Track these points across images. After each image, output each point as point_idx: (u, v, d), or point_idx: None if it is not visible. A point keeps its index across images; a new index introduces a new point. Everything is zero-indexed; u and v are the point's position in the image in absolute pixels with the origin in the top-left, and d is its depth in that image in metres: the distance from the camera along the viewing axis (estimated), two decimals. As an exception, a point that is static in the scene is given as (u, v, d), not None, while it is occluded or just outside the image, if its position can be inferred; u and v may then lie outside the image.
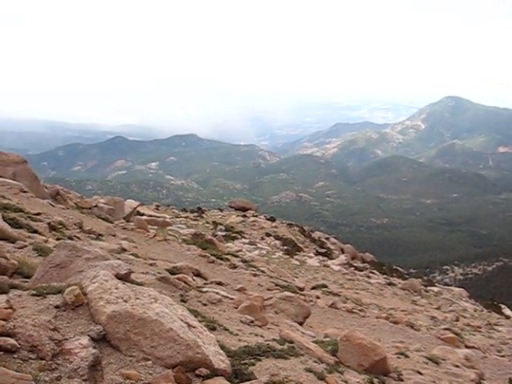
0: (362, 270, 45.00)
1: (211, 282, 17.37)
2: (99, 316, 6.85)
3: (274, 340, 10.25)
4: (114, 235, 22.10)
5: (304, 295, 21.52)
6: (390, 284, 39.79)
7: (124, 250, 17.69)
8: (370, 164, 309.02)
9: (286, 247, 45.85)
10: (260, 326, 12.46)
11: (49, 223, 17.79)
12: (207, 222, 49.45)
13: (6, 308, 6.66)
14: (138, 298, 7.22)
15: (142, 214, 37.74)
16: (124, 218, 31.23)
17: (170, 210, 55.87)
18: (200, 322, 8.39)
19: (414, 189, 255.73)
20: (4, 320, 6.40)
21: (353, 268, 44.81)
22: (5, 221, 14.70)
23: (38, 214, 19.20)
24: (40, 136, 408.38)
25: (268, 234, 49.09)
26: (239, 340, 10.06)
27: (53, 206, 25.12)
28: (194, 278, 16.73)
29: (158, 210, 51.39)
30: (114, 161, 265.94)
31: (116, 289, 7.20)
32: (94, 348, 6.39)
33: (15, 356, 6.01)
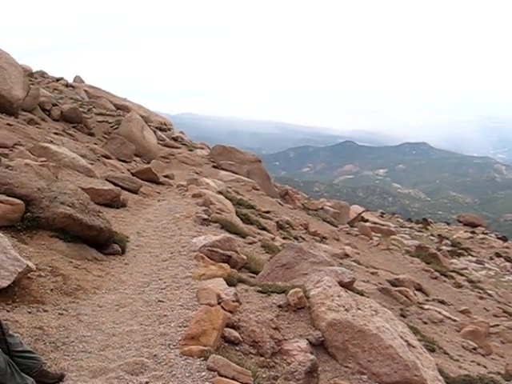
0: None
1: (433, 300, 16.62)
2: (319, 322, 6.84)
3: (498, 373, 9.42)
4: (338, 239, 22.27)
5: (536, 327, 19.60)
6: None
7: (347, 255, 17.71)
8: None
9: (517, 271, 42.30)
10: (483, 355, 11.60)
11: (277, 222, 18.48)
12: (432, 235, 47.60)
13: (233, 301, 6.96)
14: (359, 309, 7.08)
15: (367, 221, 37.58)
16: (348, 223, 31.35)
17: (395, 218, 54.88)
18: (419, 341, 7.99)
19: None
20: (231, 312, 6.70)
21: None
22: (238, 216, 15.58)
23: (268, 211, 20.07)
24: (274, 137, 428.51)
25: (498, 255, 45.70)
26: (459, 367, 9.44)
27: (281, 205, 26.11)
28: (415, 292, 16.15)
29: (382, 217, 50.83)
30: (342, 165, 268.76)
31: (338, 296, 7.13)
32: (312, 353, 6.38)
33: (237, 348, 6.24)
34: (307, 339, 6.65)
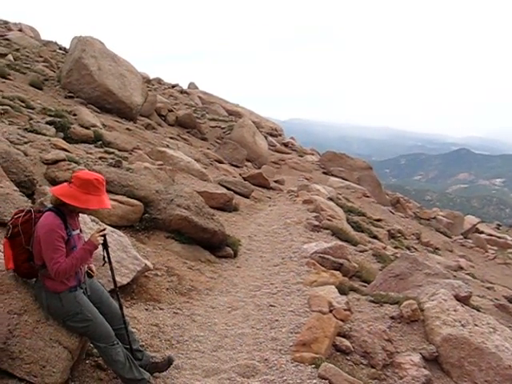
0: None
1: (555, 319, 15.61)
2: (434, 336, 6.59)
3: None
4: (451, 251, 21.49)
5: None
6: None
7: (461, 268, 17.03)
8: None
9: None
10: None
11: (388, 230, 18.11)
12: (554, 250, 44.82)
13: (345, 309, 6.88)
14: (476, 325, 6.75)
15: (481, 232, 35.95)
16: (462, 234, 30.16)
17: (512, 231, 52.15)
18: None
19: None
20: (342, 321, 6.62)
21: None
22: (348, 223, 15.41)
23: (379, 220, 19.71)
24: (384, 143, 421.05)
25: None
26: None
27: (392, 213, 25.56)
28: (535, 310, 15.23)
29: (498, 229, 48.39)
30: (456, 173, 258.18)
31: (454, 311, 6.85)
32: (425, 368, 6.16)
33: (348, 358, 6.14)
34: (420, 353, 6.42)
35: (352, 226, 15.29)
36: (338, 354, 6.12)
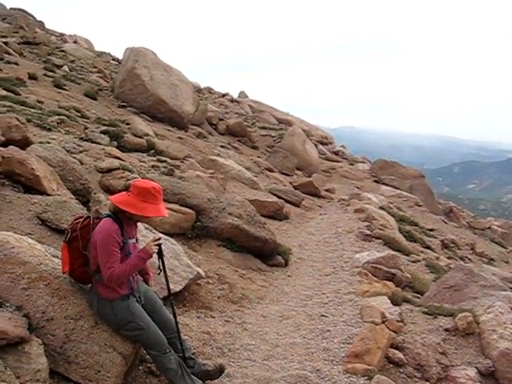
0: None
1: None
2: (490, 350, 6.40)
3: None
4: (507, 262, 20.90)
5: None
6: None
7: (518, 279, 16.54)
8: None
9: None
10: None
11: (442, 240, 17.74)
12: None
13: (397, 321, 6.76)
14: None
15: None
16: (519, 245, 29.31)
17: None
18: None
19: None
20: (395, 332, 6.51)
21: None
22: (400, 233, 15.17)
23: (432, 229, 19.35)
24: (436, 151, 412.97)
25: None
26: None
27: (445, 222, 25.07)
28: None
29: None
30: (511, 182, 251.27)
31: (511, 324, 6.65)
32: (481, 383, 5.99)
33: (401, 370, 6.03)
34: (476, 367, 6.25)
35: (404, 236, 15.04)
36: (391, 366, 6.02)
